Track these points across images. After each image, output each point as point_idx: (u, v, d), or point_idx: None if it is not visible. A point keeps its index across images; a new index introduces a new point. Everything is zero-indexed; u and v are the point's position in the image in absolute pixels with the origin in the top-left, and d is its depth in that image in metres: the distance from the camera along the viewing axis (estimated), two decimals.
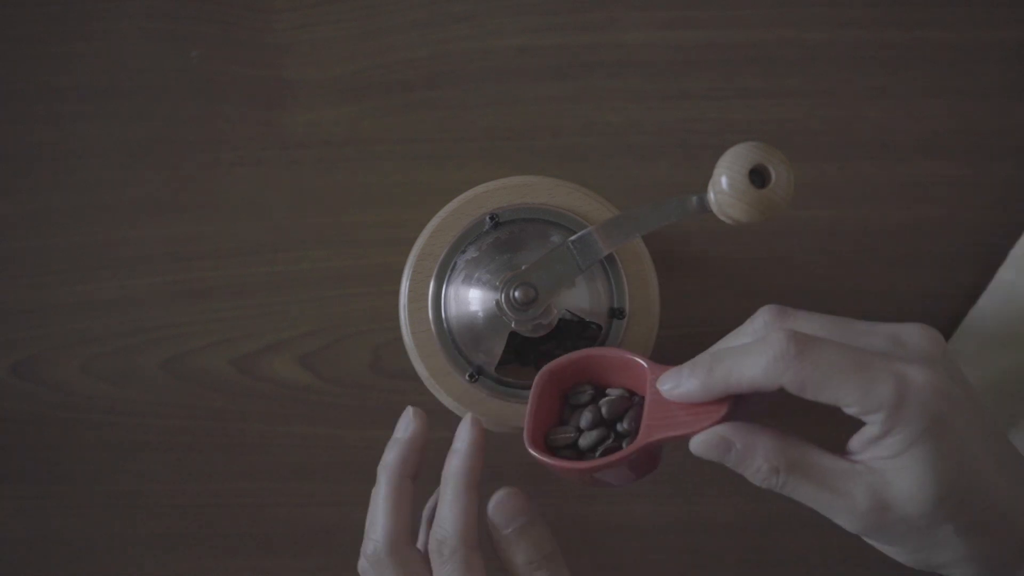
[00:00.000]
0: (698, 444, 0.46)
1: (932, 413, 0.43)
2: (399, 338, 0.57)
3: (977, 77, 0.62)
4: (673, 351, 0.53)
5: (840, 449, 0.46)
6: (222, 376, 0.63)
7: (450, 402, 0.56)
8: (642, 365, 0.50)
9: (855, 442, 0.45)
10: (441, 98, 0.62)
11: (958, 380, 0.45)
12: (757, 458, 0.45)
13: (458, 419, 0.56)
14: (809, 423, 0.49)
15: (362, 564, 0.52)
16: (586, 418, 0.50)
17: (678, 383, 0.47)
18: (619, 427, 0.50)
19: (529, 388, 0.52)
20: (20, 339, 0.63)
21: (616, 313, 0.55)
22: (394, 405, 0.59)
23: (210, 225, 0.63)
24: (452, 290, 0.55)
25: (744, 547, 0.63)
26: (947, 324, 0.62)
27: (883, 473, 0.44)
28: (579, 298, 0.55)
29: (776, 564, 0.63)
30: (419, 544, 0.53)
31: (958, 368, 0.47)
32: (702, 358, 0.46)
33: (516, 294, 0.53)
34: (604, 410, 0.50)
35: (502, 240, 0.55)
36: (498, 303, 0.53)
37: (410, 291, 0.56)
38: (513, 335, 0.54)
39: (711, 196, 0.46)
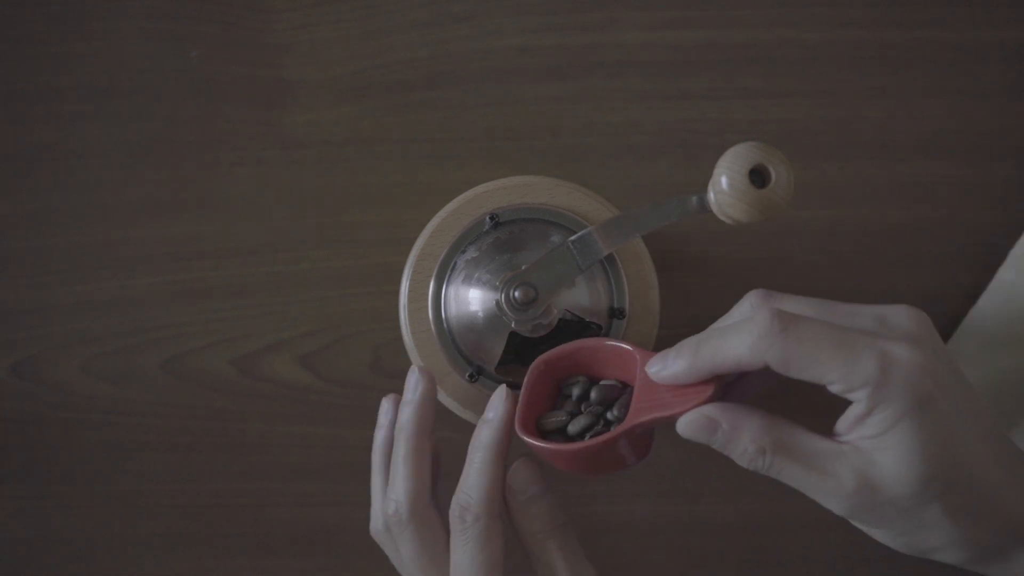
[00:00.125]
0: (685, 424, 0.46)
1: (917, 390, 0.43)
2: (399, 338, 0.57)
3: (977, 77, 0.62)
4: None
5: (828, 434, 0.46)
6: (222, 376, 0.63)
7: (450, 402, 0.56)
8: (632, 353, 0.50)
9: (842, 424, 0.45)
10: (441, 98, 0.62)
11: (944, 360, 0.45)
12: (744, 438, 0.45)
13: (458, 419, 0.56)
14: (801, 416, 0.48)
15: (376, 526, 0.53)
16: (576, 396, 0.51)
17: (665, 365, 0.47)
18: (609, 415, 0.50)
19: None
20: (20, 339, 0.63)
21: (616, 313, 0.55)
22: None
23: (210, 225, 0.63)
24: (452, 290, 0.55)
25: (744, 547, 0.63)
26: (947, 324, 0.62)
27: (869, 453, 0.44)
28: (579, 298, 0.55)
29: (776, 564, 0.63)
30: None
31: (944, 348, 0.47)
32: (689, 340, 0.47)
33: (516, 294, 0.53)
34: (594, 395, 0.50)
35: (502, 240, 0.55)
36: (498, 303, 0.53)
37: (410, 291, 0.56)
38: (513, 335, 0.54)
39: (711, 196, 0.46)
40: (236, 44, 0.63)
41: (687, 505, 0.63)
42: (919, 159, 0.62)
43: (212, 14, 0.63)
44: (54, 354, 0.63)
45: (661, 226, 0.50)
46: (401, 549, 0.52)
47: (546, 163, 0.62)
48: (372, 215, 0.62)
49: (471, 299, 0.55)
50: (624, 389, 0.51)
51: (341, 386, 0.63)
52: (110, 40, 0.63)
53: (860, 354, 0.43)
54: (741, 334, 0.44)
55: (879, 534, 0.46)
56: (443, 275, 0.55)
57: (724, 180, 0.45)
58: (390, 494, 0.52)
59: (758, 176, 0.45)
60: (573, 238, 0.52)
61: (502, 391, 0.51)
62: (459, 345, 0.55)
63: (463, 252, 0.56)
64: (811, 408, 0.48)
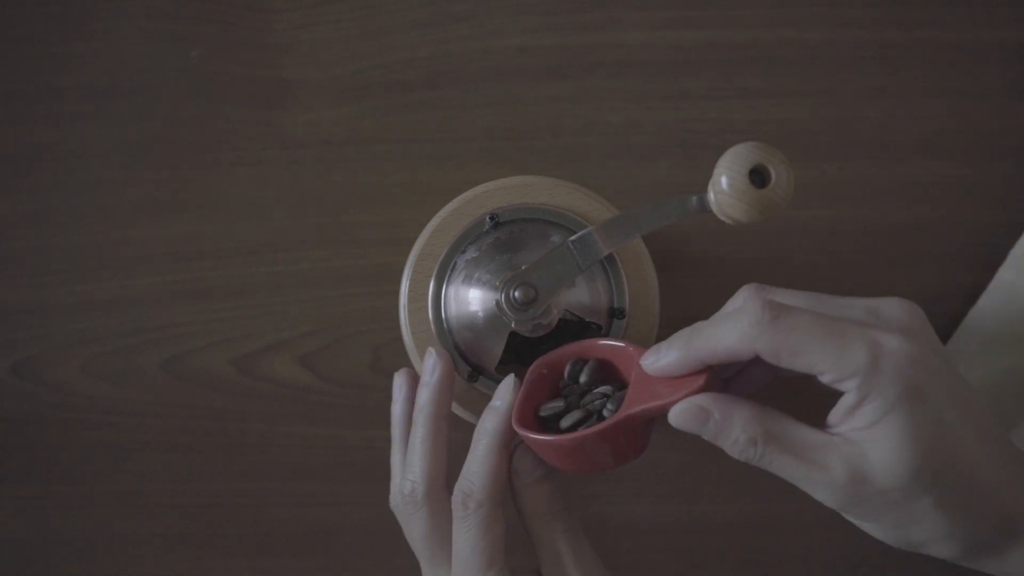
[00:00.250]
0: (676, 414, 0.46)
1: (907, 381, 0.43)
2: (399, 338, 0.57)
3: (977, 77, 0.62)
4: None
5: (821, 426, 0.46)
6: (222, 376, 0.63)
7: None
8: (628, 350, 0.50)
9: (833, 415, 0.45)
10: (441, 98, 0.62)
11: (937, 352, 0.45)
12: (735, 428, 0.45)
13: (458, 419, 0.56)
14: (795, 410, 0.48)
15: (395, 500, 0.53)
16: (568, 374, 0.52)
17: (658, 357, 0.47)
18: (604, 411, 0.50)
19: None
20: (20, 339, 0.63)
21: (616, 313, 0.55)
22: None
23: (210, 225, 0.63)
24: (452, 290, 0.55)
25: (744, 547, 0.63)
26: (947, 324, 0.62)
27: (860, 444, 0.44)
28: (579, 298, 0.55)
29: (776, 564, 0.63)
30: None
31: (938, 341, 0.47)
32: (682, 331, 0.47)
33: (516, 294, 0.53)
34: (583, 377, 0.51)
35: (502, 240, 0.55)
36: (498, 303, 0.53)
37: (410, 291, 0.56)
38: (513, 335, 0.54)
39: (711, 196, 0.46)
40: (236, 44, 0.63)
41: (687, 505, 0.63)
42: (919, 159, 0.62)
43: (212, 14, 0.63)
44: (54, 354, 0.63)
45: (661, 226, 0.50)
46: (414, 528, 0.52)
47: (546, 163, 0.62)
48: (372, 215, 0.62)
49: (471, 299, 0.55)
50: (623, 388, 0.51)
51: (341, 386, 0.63)
52: (110, 40, 0.63)
53: (851, 343, 0.43)
54: (732, 323, 0.45)
55: (871, 528, 0.46)
56: (443, 275, 0.55)
57: (724, 180, 0.45)
58: (407, 474, 0.52)
59: (758, 176, 0.45)
60: (573, 238, 0.52)
61: (510, 380, 0.51)
62: (459, 345, 0.55)
63: (463, 252, 0.56)
64: (805, 402, 0.48)
